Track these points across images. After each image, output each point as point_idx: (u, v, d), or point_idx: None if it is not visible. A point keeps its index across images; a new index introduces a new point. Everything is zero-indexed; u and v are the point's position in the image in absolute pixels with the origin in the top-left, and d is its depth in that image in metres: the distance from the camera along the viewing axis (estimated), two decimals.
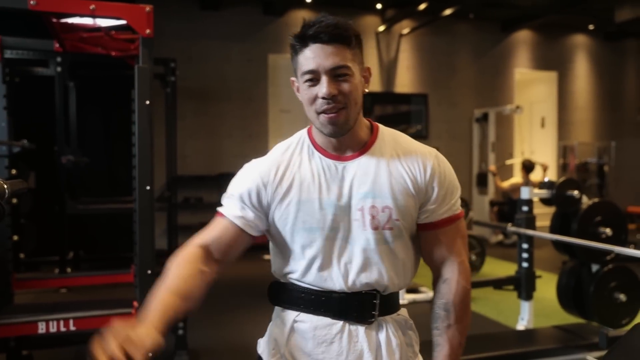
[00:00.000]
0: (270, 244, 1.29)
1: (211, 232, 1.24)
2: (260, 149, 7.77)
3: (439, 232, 1.23)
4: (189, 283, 1.17)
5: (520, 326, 3.51)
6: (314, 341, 1.20)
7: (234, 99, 8.09)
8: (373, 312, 1.20)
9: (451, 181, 1.25)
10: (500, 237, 8.23)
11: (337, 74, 1.13)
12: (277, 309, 1.29)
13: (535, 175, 7.22)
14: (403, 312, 1.29)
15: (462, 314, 1.22)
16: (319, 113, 1.15)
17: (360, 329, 1.20)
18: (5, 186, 1.32)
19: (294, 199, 1.21)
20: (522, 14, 9.02)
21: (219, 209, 1.26)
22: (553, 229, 3.57)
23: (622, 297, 3.43)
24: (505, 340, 3.06)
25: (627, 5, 7.58)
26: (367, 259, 1.19)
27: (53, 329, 2.82)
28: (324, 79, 1.13)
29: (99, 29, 3.27)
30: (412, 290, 5.19)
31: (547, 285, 4.58)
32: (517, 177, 7.32)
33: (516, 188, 7.19)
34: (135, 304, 2.96)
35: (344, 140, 1.20)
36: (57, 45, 3.83)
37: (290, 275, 1.24)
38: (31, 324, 2.81)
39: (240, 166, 1.30)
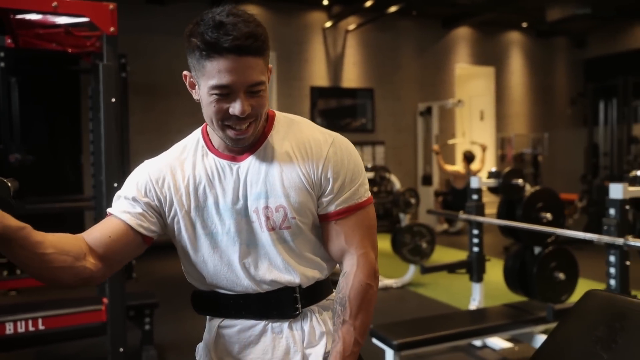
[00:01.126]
0: (179, 253, 1.21)
1: (96, 229, 1.15)
2: None
3: (336, 223, 1.15)
4: (62, 239, 1.06)
5: (472, 306, 3.76)
6: (239, 344, 1.19)
7: (183, 95, 8.00)
8: (296, 306, 1.16)
9: (350, 169, 1.16)
10: (445, 226, 8.60)
11: (252, 91, 1.05)
12: (207, 316, 1.27)
13: (475, 165, 7.62)
14: (334, 295, 1.22)
15: (358, 310, 1.13)
16: (228, 127, 1.08)
17: (284, 324, 1.17)
18: (9, 183, 1.37)
19: (192, 204, 1.15)
20: (461, 12, 9.42)
21: (108, 209, 1.18)
22: (500, 215, 3.85)
23: (562, 275, 3.74)
24: (459, 319, 3.29)
25: (557, 5, 8.08)
26: (270, 260, 1.14)
27: (21, 329, 2.81)
28: (240, 97, 1.04)
29: (58, 25, 3.24)
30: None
31: (492, 270, 4.90)
32: (459, 166, 7.70)
33: (458, 177, 7.59)
34: (105, 300, 2.98)
35: None
36: (8, 41, 3.74)
37: (203, 283, 1.19)
38: None
39: None
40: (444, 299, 4.79)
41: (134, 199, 1.15)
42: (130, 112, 6.81)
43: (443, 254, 6.52)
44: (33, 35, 3.41)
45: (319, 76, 9.01)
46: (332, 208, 1.15)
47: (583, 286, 2.81)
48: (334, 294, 1.22)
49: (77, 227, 3.98)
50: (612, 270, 2.68)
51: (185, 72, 1.13)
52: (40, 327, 2.84)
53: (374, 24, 9.08)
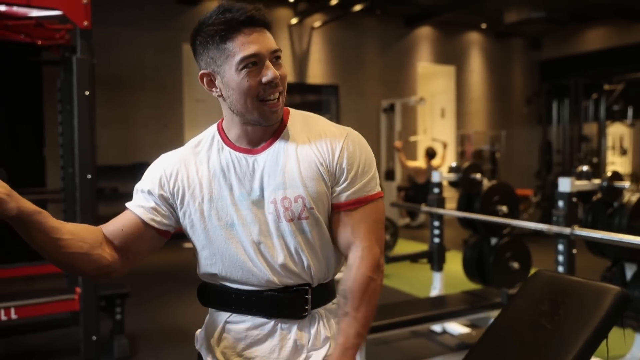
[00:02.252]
0: (193, 247, 1.22)
1: (113, 221, 1.19)
2: (176, 139, 7.79)
3: (344, 214, 1.17)
4: (79, 227, 1.12)
5: (433, 294, 3.97)
6: (246, 341, 1.19)
7: (148, 88, 8.00)
8: (306, 307, 1.18)
9: (362, 161, 1.18)
10: (407, 220, 8.85)
11: (276, 57, 1.11)
12: (210, 309, 1.27)
13: (436, 161, 7.88)
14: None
15: (360, 302, 1.14)
16: (263, 100, 1.10)
17: (293, 325, 1.18)
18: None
19: (205, 197, 1.17)
20: (423, 12, 9.68)
21: (126, 203, 1.21)
22: (459, 208, 4.06)
23: (516, 265, 3.97)
24: (420, 305, 3.48)
25: (514, 8, 8.41)
26: (287, 250, 1.15)
27: None
28: (268, 64, 1.09)
29: (28, 17, 3.24)
30: None
31: (452, 260, 5.13)
32: (420, 162, 7.94)
33: (419, 172, 7.82)
34: (78, 289, 3.03)
35: (261, 131, 1.17)
36: None
37: (217, 277, 1.20)
38: None
39: (156, 156, 1.27)
40: (406, 289, 4.99)
41: (149, 192, 1.18)
42: (95, 104, 6.75)
43: (405, 247, 6.74)
44: (2, 26, 3.41)
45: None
46: (342, 198, 1.16)
47: None
48: (337, 298, 1.24)
49: None
50: (560, 258, 2.90)
51: (201, 72, 1.14)
52: (13, 316, 2.87)
53: (339, 22, 9.24)
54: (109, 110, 7.58)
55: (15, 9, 3.14)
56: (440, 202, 3.93)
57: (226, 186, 1.16)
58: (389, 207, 8.23)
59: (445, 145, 7.99)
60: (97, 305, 3.00)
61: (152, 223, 1.18)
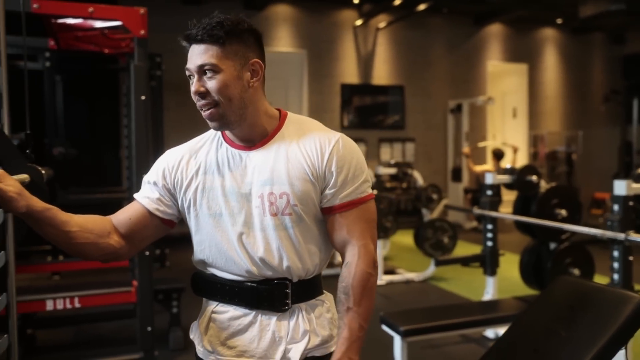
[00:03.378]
0: (190, 234, 1.31)
1: (121, 211, 1.30)
2: None
3: (339, 215, 1.23)
4: (88, 219, 1.23)
5: (486, 299, 3.86)
6: (228, 331, 1.26)
7: None
8: (286, 301, 1.23)
9: (353, 165, 1.24)
10: (474, 223, 8.62)
11: (204, 72, 1.17)
12: (203, 298, 1.34)
13: (505, 162, 7.62)
14: (325, 296, 1.32)
15: (361, 297, 1.20)
16: (200, 109, 1.20)
17: (273, 318, 1.23)
18: (43, 171, 1.58)
19: (199, 186, 1.25)
20: (494, 9, 9.39)
21: (135, 194, 1.32)
22: (515, 211, 3.93)
23: (576, 271, 3.80)
24: (469, 308, 3.40)
25: (590, 1, 7.98)
26: (267, 244, 1.21)
27: (60, 306, 3.07)
28: (195, 78, 1.18)
29: (94, 28, 3.49)
30: (389, 271, 5.54)
31: (511, 265, 4.96)
32: (489, 165, 7.70)
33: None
34: (135, 283, 3.23)
35: (243, 132, 1.24)
36: (51, 42, 4.05)
37: (205, 264, 1.28)
38: (39, 302, 3.06)
39: None
40: (464, 293, 4.88)
41: (154, 183, 1.29)
42: (165, 108, 7.11)
43: (465, 250, 6.57)
44: (73, 37, 3.69)
45: (350, 73, 9.15)
46: (336, 201, 1.23)
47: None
48: (323, 295, 1.31)
49: None
50: (616, 264, 2.75)
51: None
52: (77, 304, 3.10)
53: (404, 22, 9.16)
54: (178, 113, 7.95)
55: (82, 21, 3.40)
56: (494, 204, 3.82)
57: (219, 178, 1.25)
58: (454, 210, 8.07)
59: (515, 150, 7.70)
60: (151, 297, 3.17)
61: (157, 212, 1.28)
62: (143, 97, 3.10)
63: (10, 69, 1.48)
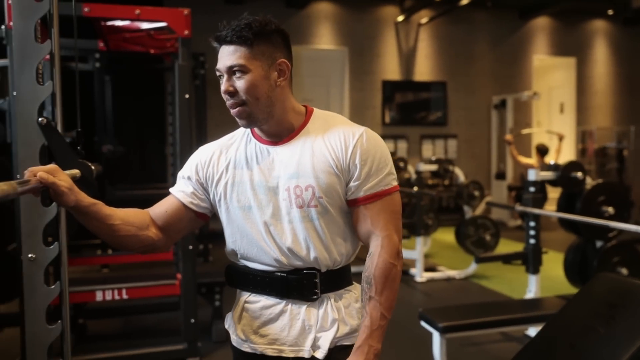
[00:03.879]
0: (222, 226, 1.37)
1: (158, 204, 1.36)
2: None
3: (364, 207, 1.27)
4: (129, 212, 1.30)
5: (528, 297, 3.79)
6: (260, 319, 1.31)
7: None
8: (315, 290, 1.27)
9: (377, 158, 1.27)
10: (519, 221, 8.43)
11: (233, 72, 1.22)
12: (236, 290, 1.39)
13: (551, 152, 7.39)
14: (353, 287, 1.36)
15: (383, 287, 1.24)
16: (229, 107, 1.26)
17: (302, 307, 1.28)
18: (93, 167, 1.66)
19: (229, 180, 1.31)
20: (540, 1, 9.15)
21: (170, 188, 1.38)
22: (559, 208, 3.84)
23: (625, 271, 3.68)
24: (510, 306, 3.35)
25: None
26: (295, 235, 1.26)
27: (109, 297, 3.21)
28: (225, 77, 1.24)
29: (141, 30, 3.62)
30: (430, 269, 5.50)
31: (555, 263, 4.84)
32: (532, 160, 7.50)
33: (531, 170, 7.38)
34: (179, 276, 3.33)
35: (271, 129, 1.29)
36: (101, 44, 4.21)
37: (237, 255, 1.34)
38: (90, 292, 3.20)
39: None
40: (505, 291, 4.80)
41: (188, 178, 1.35)
42: (209, 107, 7.26)
43: (508, 247, 6.45)
44: (121, 39, 3.83)
45: (391, 70, 9.10)
46: (360, 193, 1.26)
47: None
48: (352, 286, 1.35)
49: None
50: None
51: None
52: (124, 296, 3.23)
53: (447, 17, 9.04)
54: (221, 112, 8.10)
55: (129, 22, 3.52)
56: (537, 201, 3.74)
57: (248, 173, 1.30)
58: (498, 208, 7.93)
59: (561, 138, 7.44)
60: (194, 290, 3.27)
61: (191, 206, 1.34)
62: (187, 96, 3.20)
63: (62, 70, 1.57)
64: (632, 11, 8.80)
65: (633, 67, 10.47)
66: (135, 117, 7.93)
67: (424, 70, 9.29)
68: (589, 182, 3.74)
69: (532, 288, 3.77)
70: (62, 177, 1.16)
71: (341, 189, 1.27)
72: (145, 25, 3.50)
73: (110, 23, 3.52)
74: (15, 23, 1.44)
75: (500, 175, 9.07)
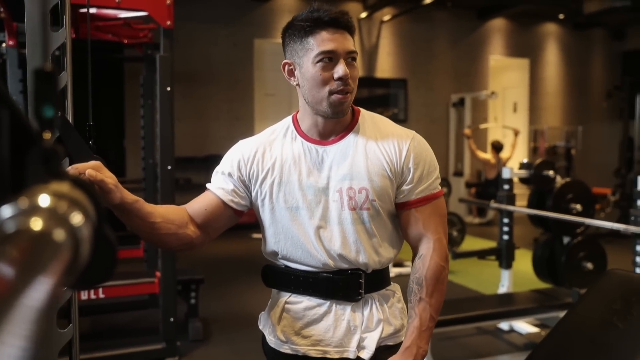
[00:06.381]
0: (261, 227, 1.33)
1: (196, 201, 1.32)
2: (246, 131, 8.03)
3: (415, 210, 1.27)
4: (169, 210, 1.27)
5: (501, 292, 3.91)
6: (303, 320, 1.28)
7: (221, 82, 8.29)
8: (360, 291, 1.25)
9: (428, 162, 1.28)
10: (476, 220, 8.65)
11: (351, 57, 1.21)
12: (273, 290, 1.37)
13: (505, 153, 7.62)
14: (393, 286, 1.35)
15: (434, 289, 1.24)
16: (332, 93, 1.19)
17: (347, 307, 1.26)
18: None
19: (276, 180, 1.27)
20: (497, 3, 9.41)
21: (207, 184, 1.33)
22: (530, 205, 3.98)
23: (590, 265, 3.85)
24: (487, 301, 3.45)
25: None
26: (345, 238, 1.24)
27: (84, 296, 3.08)
28: (342, 62, 1.18)
29: (117, 18, 3.48)
30: (397, 264, 5.57)
31: (521, 259, 5.01)
32: (489, 155, 7.73)
33: (489, 165, 7.60)
34: (158, 274, 3.24)
35: (332, 124, 1.26)
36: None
37: (277, 255, 1.30)
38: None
39: (227, 148, 1.39)
40: (473, 286, 4.93)
41: (229, 174, 1.30)
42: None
43: (473, 243, 6.63)
44: (93, 27, 3.66)
45: None
46: (412, 196, 1.26)
47: None
48: (392, 285, 1.34)
49: None
50: (639, 259, 2.80)
51: (284, 61, 1.27)
52: (101, 295, 3.11)
53: (409, 15, 9.16)
54: (184, 104, 7.91)
55: (105, 11, 3.38)
56: (511, 199, 3.87)
57: (296, 172, 1.27)
58: (456, 204, 8.14)
59: (516, 132, 7.67)
60: (174, 288, 3.19)
61: (231, 204, 1.30)
62: (168, 88, 3.11)
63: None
64: (583, 16, 9.19)
65: (581, 70, 10.96)
66: (93, 109, 7.64)
67: (385, 67, 9.39)
68: (559, 180, 3.89)
69: (505, 282, 3.89)
70: (108, 174, 1.11)
71: (392, 192, 1.27)
72: (123, 14, 3.37)
73: (83, 10, 3.36)
74: (27, 10, 1.36)
75: (458, 173, 9.30)
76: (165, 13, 3.05)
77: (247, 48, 8.37)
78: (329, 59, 1.19)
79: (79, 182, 0.49)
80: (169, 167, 3.12)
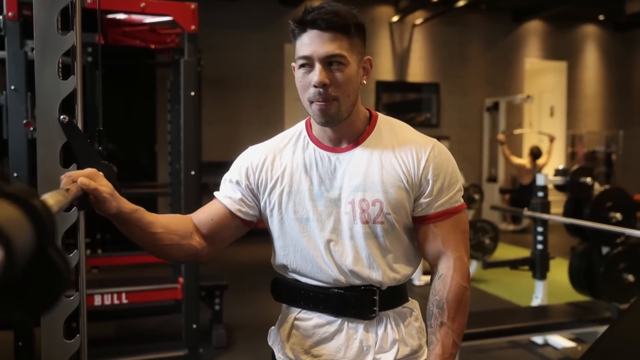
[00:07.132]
0: (270, 236, 1.26)
1: (202, 210, 1.25)
2: None
3: (434, 225, 1.17)
4: (172, 219, 1.20)
5: (535, 304, 3.75)
6: (313, 339, 1.20)
7: (252, 87, 8.30)
8: (374, 308, 1.17)
9: (449, 173, 1.17)
10: (511, 227, 8.42)
11: (330, 62, 1.09)
12: (282, 305, 1.29)
13: (542, 159, 7.38)
14: (411, 304, 1.25)
15: (456, 312, 1.15)
16: (311, 102, 1.11)
17: (360, 326, 1.17)
18: (115, 169, 1.55)
19: (285, 189, 1.19)
20: (533, 5, 9.17)
21: (215, 192, 1.26)
22: (566, 214, 3.80)
23: (631, 277, 3.65)
24: (520, 314, 3.30)
25: None
26: (357, 253, 1.15)
27: (107, 301, 3.08)
28: (317, 67, 1.09)
29: (143, 24, 3.49)
30: (428, 272, 5.45)
31: (557, 269, 4.81)
32: (525, 160, 7.49)
33: (524, 171, 7.37)
34: (181, 279, 3.21)
35: (340, 131, 1.17)
36: (97, 38, 4.05)
37: (287, 269, 1.23)
38: (88, 297, 3.06)
39: None
40: (505, 296, 4.77)
41: (237, 183, 1.23)
42: (202, 103, 7.12)
43: (506, 252, 6.44)
44: (121, 32, 3.69)
45: (385, 70, 9.04)
46: (430, 210, 1.16)
47: None
48: (409, 302, 1.24)
49: (150, 211, 4.28)
50: None
51: (292, 64, 1.18)
52: (124, 300, 3.10)
53: (442, 18, 9.00)
54: (214, 109, 7.96)
55: (132, 16, 3.39)
56: (545, 206, 3.70)
57: (306, 181, 1.18)
58: (489, 211, 7.93)
59: (552, 139, 7.43)
60: (197, 294, 3.16)
61: (239, 214, 1.23)
62: (192, 93, 3.08)
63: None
64: (625, 17, 8.86)
65: (622, 72, 10.57)
66: (125, 114, 7.75)
67: (417, 71, 9.25)
68: (597, 187, 3.71)
69: (539, 294, 3.72)
70: (103, 183, 1.06)
71: (409, 205, 1.17)
72: (148, 19, 3.37)
73: (111, 16, 3.38)
74: (36, 12, 1.32)
75: (492, 179, 9.07)
76: (189, 18, 3.03)
77: (278, 53, 8.36)
78: (307, 64, 1.10)
79: (18, 201, 0.43)
80: (192, 172, 3.09)
